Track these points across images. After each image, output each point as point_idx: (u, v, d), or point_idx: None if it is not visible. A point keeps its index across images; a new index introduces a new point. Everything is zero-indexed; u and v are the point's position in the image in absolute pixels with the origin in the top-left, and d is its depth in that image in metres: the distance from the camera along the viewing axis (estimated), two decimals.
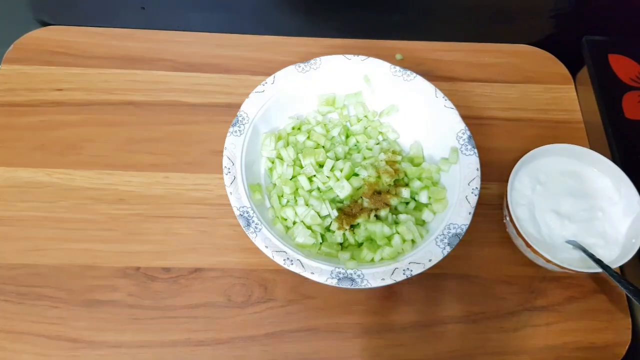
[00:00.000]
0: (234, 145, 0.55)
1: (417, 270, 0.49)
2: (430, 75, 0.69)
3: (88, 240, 0.57)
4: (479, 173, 0.54)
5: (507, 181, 0.55)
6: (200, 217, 0.59)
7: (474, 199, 0.53)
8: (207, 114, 0.65)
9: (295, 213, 0.54)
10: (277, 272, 0.56)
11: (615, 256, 0.53)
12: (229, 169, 0.53)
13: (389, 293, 0.56)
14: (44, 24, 0.71)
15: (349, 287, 0.48)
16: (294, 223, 0.54)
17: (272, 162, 0.58)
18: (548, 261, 0.51)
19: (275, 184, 0.57)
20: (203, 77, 0.67)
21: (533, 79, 0.70)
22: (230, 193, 0.52)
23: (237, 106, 0.65)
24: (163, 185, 0.60)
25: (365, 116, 0.62)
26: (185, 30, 0.71)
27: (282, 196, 0.56)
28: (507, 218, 0.55)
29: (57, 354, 0.52)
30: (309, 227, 0.54)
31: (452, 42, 0.72)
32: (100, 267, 0.56)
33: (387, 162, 0.57)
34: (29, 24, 0.71)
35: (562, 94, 0.69)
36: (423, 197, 0.56)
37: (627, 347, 0.54)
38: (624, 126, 0.62)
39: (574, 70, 0.71)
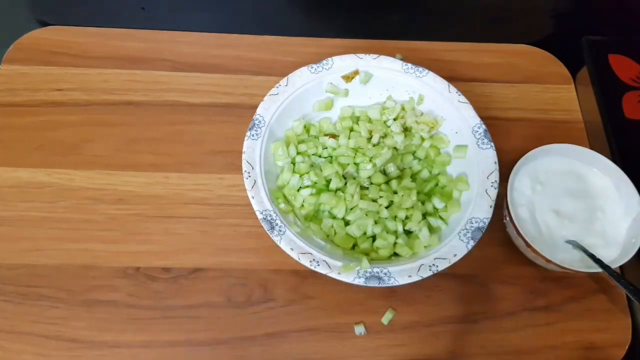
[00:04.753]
0: (252, 149, 0.55)
1: (442, 265, 0.50)
2: None
3: (88, 240, 0.57)
4: (496, 166, 0.55)
5: (507, 181, 0.55)
6: (200, 217, 0.59)
7: (493, 192, 0.53)
8: (207, 114, 0.65)
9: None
10: (277, 272, 0.56)
11: (615, 256, 0.53)
12: (249, 173, 0.54)
13: (389, 293, 0.56)
14: (44, 24, 0.71)
15: (376, 285, 0.49)
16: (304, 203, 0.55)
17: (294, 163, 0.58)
18: (548, 261, 0.51)
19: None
20: (203, 77, 0.67)
21: (533, 79, 0.70)
22: (252, 197, 0.52)
23: (237, 106, 0.66)
24: (163, 185, 0.60)
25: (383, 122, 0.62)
26: (185, 30, 0.71)
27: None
28: (507, 218, 0.55)
29: (57, 354, 0.52)
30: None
31: (452, 42, 0.72)
32: (100, 267, 0.56)
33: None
34: (29, 24, 0.71)
35: (562, 94, 0.69)
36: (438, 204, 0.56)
37: (627, 347, 0.54)
38: (624, 126, 0.62)
39: (574, 70, 0.71)
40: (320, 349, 0.53)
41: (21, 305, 0.53)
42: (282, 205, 0.54)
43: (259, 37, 0.71)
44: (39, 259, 0.56)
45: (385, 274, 0.49)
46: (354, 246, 0.55)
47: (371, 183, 0.57)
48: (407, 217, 0.55)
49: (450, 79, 0.61)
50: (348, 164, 0.57)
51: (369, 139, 0.59)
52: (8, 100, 0.64)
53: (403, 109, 0.61)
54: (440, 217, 0.56)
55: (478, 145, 0.57)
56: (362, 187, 0.57)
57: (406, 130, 0.61)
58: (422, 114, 0.61)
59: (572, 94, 0.69)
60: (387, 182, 0.57)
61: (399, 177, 0.58)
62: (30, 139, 0.62)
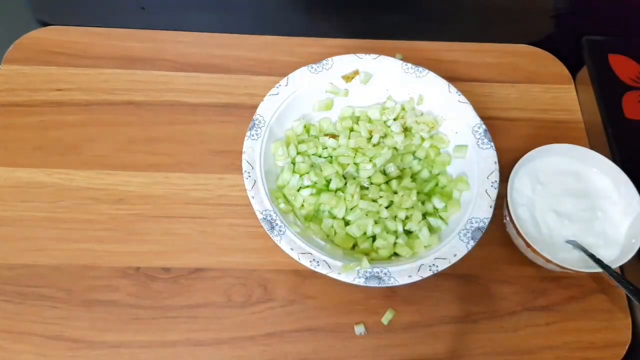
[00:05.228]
0: (252, 149, 0.55)
1: (442, 265, 0.50)
2: None
3: (88, 240, 0.57)
4: (496, 166, 0.55)
5: (507, 181, 0.55)
6: (200, 217, 0.59)
7: (494, 192, 0.53)
8: (207, 114, 0.65)
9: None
10: (277, 272, 0.56)
11: (615, 256, 0.53)
12: (249, 173, 0.54)
13: (389, 293, 0.56)
14: (44, 24, 0.71)
15: (376, 285, 0.49)
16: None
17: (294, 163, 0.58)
18: (548, 261, 0.51)
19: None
20: (203, 77, 0.67)
21: (533, 79, 0.70)
22: (252, 197, 0.53)
23: (237, 106, 0.66)
24: (163, 185, 0.60)
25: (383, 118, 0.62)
26: (185, 30, 0.71)
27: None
28: (507, 218, 0.55)
29: (57, 354, 0.52)
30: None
31: (452, 42, 0.72)
32: (100, 267, 0.56)
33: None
34: (29, 24, 0.71)
35: (562, 94, 0.69)
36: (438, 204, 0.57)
37: (627, 347, 0.54)
38: (624, 126, 0.62)
39: (574, 70, 0.71)
40: (320, 349, 0.53)
41: (21, 305, 0.53)
42: (282, 205, 0.54)
43: (259, 37, 0.71)
44: (39, 259, 0.56)
45: (385, 274, 0.49)
46: (354, 246, 0.55)
47: (371, 183, 0.57)
48: (407, 217, 0.55)
49: (450, 79, 0.61)
50: (348, 164, 0.57)
51: (369, 139, 0.59)
52: (8, 100, 0.64)
53: (403, 109, 0.61)
54: (440, 217, 0.56)
55: (478, 145, 0.57)
56: (362, 187, 0.57)
57: (406, 130, 0.61)
58: (422, 114, 0.61)
59: (572, 94, 0.69)
60: (387, 182, 0.57)
61: (399, 177, 0.58)
62: (30, 139, 0.62)
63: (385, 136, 0.60)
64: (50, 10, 0.73)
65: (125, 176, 0.61)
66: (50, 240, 0.57)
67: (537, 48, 0.73)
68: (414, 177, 0.59)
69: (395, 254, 0.54)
